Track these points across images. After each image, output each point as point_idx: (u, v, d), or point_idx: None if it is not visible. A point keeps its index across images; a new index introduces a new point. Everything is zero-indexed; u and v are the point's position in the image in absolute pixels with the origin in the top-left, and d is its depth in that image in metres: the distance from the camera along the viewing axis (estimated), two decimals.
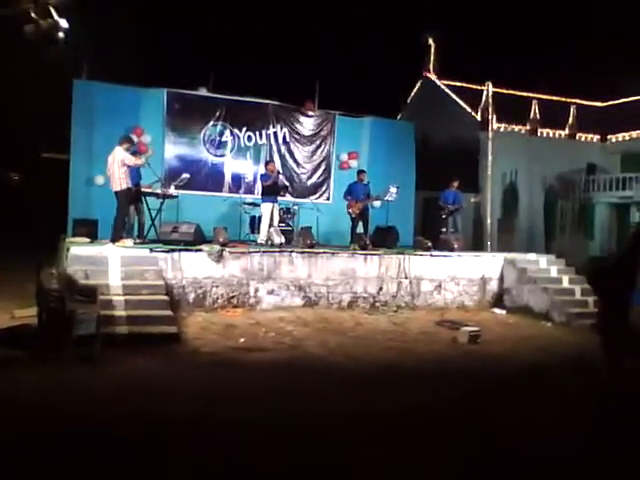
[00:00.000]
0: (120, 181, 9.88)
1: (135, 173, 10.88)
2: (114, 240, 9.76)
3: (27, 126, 11.20)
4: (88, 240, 10.21)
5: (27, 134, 11.64)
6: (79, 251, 8.95)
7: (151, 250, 9.55)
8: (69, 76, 12.66)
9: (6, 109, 16.84)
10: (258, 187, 13.16)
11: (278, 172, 12.25)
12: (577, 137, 21.05)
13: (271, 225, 11.62)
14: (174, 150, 13.45)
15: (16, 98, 14.39)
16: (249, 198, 13.32)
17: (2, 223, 18.87)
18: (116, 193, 9.97)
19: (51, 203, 8.76)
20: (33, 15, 8.40)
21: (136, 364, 6.81)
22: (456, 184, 13.53)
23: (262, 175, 12.49)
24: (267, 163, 12.70)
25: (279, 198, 12.48)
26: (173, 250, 9.67)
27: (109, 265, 8.78)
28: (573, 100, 21.93)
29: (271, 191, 11.88)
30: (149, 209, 10.92)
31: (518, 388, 6.60)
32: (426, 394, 6.18)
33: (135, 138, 12.77)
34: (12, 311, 8.75)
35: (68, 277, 7.87)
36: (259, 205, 12.22)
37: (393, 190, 12.22)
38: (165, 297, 8.68)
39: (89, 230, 10.59)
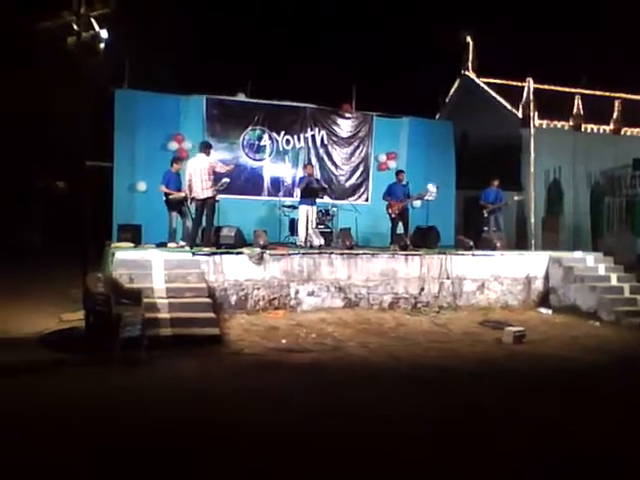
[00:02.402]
0: (210, 189, 10.09)
1: (176, 179, 11.07)
2: (191, 246, 10.02)
3: (71, 136, 11.52)
4: (132, 245, 10.40)
5: (71, 144, 11.96)
6: (124, 256, 9.12)
7: (193, 253, 9.67)
8: (111, 85, 12.98)
9: (50, 120, 17.36)
10: (297, 190, 13.21)
11: (309, 175, 12.26)
12: (622, 132, 20.46)
13: (308, 227, 11.64)
14: (214, 155, 13.52)
15: (60, 109, 14.81)
16: (288, 201, 13.37)
17: (50, 231, 19.45)
18: (203, 201, 10.12)
19: (95, 210, 8.98)
20: (75, 27, 8.66)
21: (181, 366, 6.89)
22: (497, 182, 13.31)
23: (300, 177, 12.58)
24: (305, 165, 12.76)
25: (318, 200, 12.49)
26: (215, 253, 9.77)
27: (153, 269, 8.93)
28: (618, 94, 21.33)
29: (306, 193, 11.89)
30: (190, 214, 11.06)
31: (567, 389, 6.42)
32: (471, 395, 6.07)
33: (176, 145, 13.03)
34: (60, 315, 8.98)
35: (114, 281, 8.04)
36: (298, 208, 12.26)
37: (433, 189, 12.08)
38: (208, 299, 8.78)
39: (133, 235, 10.79)
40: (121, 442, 4.62)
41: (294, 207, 12.75)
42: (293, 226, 12.62)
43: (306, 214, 11.76)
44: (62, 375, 6.47)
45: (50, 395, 5.71)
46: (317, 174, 14.17)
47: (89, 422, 5.02)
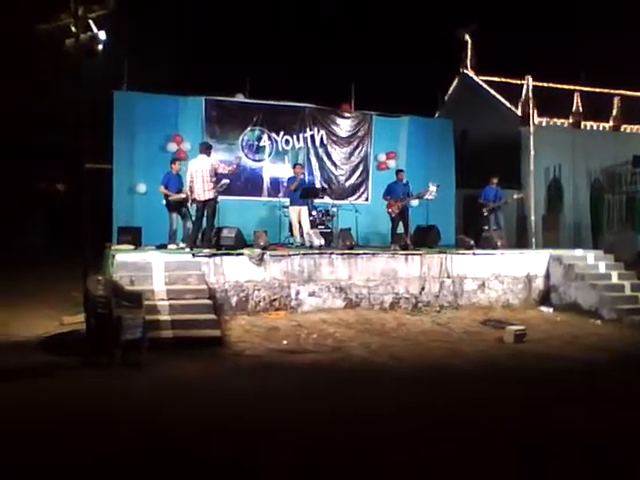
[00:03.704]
0: (211, 190, 10.09)
1: (177, 180, 11.06)
2: (192, 247, 10.00)
3: (70, 138, 11.53)
4: (132, 247, 10.40)
5: (70, 146, 11.97)
6: (124, 258, 9.12)
7: (194, 255, 9.66)
8: (109, 87, 12.96)
9: (49, 122, 17.34)
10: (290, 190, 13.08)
11: (299, 175, 12.23)
12: (622, 129, 20.45)
13: (302, 227, 11.62)
14: (213, 156, 13.51)
15: (59, 111, 14.79)
16: (288, 201, 13.34)
17: (50, 233, 19.44)
18: (204, 202, 10.10)
19: (95, 212, 8.98)
20: (73, 29, 8.63)
21: (182, 368, 6.89)
22: (496, 180, 13.30)
23: (289, 178, 12.53)
24: (294, 166, 12.69)
25: (317, 200, 12.48)
26: (215, 254, 9.76)
27: (153, 271, 8.92)
28: (617, 91, 21.32)
29: (300, 194, 11.86)
30: (190, 215, 11.06)
31: (565, 388, 6.42)
32: (472, 394, 6.07)
33: (175, 146, 13.01)
34: (61, 318, 8.98)
35: (114, 283, 8.03)
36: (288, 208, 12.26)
37: (433, 189, 12.04)
38: (208, 301, 8.78)
39: (133, 237, 10.80)
40: (124, 444, 4.61)
41: None
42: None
43: (298, 215, 11.75)
44: (63, 378, 6.46)
45: (51, 398, 5.71)
46: (317, 174, 14.21)
47: (91, 425, 5.02)
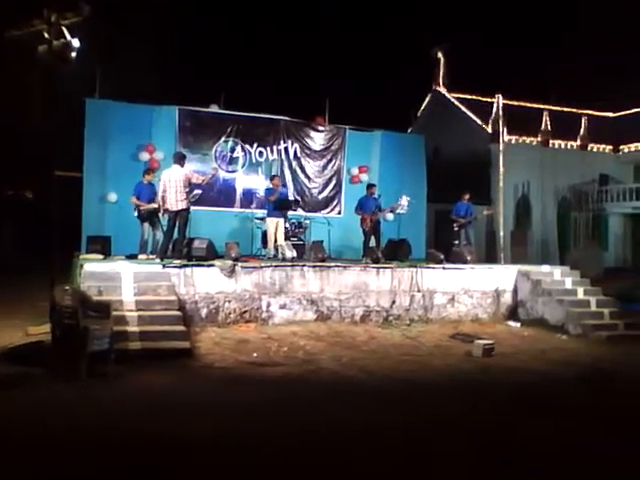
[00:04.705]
0: (184, 201, 9.98)
1: (149, 190, 10.95)
2: (162, 258, 9.89)
3: (41, 145, 11.38)
4: (101, 257, 10.26)
5: (41, 153, 11.80)
6: (92, 268, 8.99)
7: (164, 266, 9.57)
8: (82, 95, 12.83)
9: (20, 129, 17.08)
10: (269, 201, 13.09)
11: (276, 187, 12.14)
12: (589, 148, 20.98)
13: (276, 240, 11.58)
14: (187, 167, 13.48)
15: (30, 117, 14.59)
16: (260, 213, 13.31)
17: (17, 242, 19.07)
18: (176, 212, 9.99)
19: (65, 221, 8.85)
20: (46, 36, 8.56)
21: (149, 380, 6.80)
22: (467, 196, 13.50)
23: (266, 190, 12.45)
24: (272, 178, 12.65)
25: (290, 213, 12.48)
26: (186, 265, 9.69)
27: (122, 281, 8.81)
28: (584, 111, 21.88)
29: (275, 206, 11.85)
30: (161, 225, 10.97)
31: (533, 402, 6.50)
32: (440, 408, 6.11)
33: (147, 155, 12.92)
34: (26, 328, 8.79)
35: (82, 294, 7.89)
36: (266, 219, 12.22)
37: (404, 202, 12.16)
38: (178, 312, 8.69)
39: (102, 247, 10.64)
40: (87, 458, 4.53)
41: None
42: (265, 238, 12.57)
43: (275, 226, 11.71)
44: (27, 390, 6.31)
45: (15, 409, 5.58)
46: (290, 187, 14.22)
47: (55, 437, 4.92)
